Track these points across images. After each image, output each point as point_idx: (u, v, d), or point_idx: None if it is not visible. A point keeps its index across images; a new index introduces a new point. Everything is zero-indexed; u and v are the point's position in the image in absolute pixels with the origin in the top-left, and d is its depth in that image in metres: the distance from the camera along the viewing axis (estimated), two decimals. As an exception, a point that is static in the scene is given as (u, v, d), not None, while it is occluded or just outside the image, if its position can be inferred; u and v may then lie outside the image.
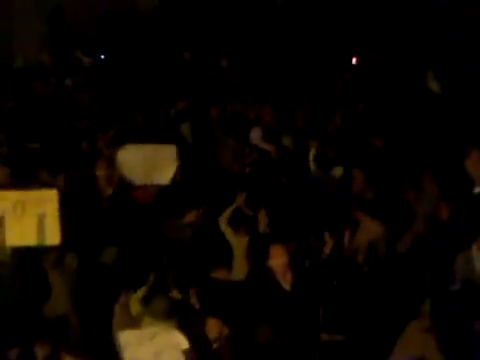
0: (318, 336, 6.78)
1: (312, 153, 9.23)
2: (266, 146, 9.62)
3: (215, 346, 6.63)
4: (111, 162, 8.64)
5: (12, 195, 7.34)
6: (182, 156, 8.82)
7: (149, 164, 8.59)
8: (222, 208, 8.11)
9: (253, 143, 9.81)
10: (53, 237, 7.20)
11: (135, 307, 7.02)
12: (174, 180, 8.66)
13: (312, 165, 9.16)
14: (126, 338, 6.49)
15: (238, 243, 7.78)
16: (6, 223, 7.22)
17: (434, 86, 10.74)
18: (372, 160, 8.94)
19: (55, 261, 7.46)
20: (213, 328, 6.64)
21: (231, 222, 8.00)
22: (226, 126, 10.37)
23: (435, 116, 10.04)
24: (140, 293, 7.09)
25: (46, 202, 7.24)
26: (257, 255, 7.55)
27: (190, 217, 8.13)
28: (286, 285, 6.75)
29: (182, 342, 6.48)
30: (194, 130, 10.32)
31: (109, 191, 8.48)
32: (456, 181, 8.16)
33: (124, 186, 8.53)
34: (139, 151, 8.74)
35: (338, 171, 8.91)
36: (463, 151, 8.19)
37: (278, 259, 6.76)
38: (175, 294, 7.12)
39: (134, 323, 6.84)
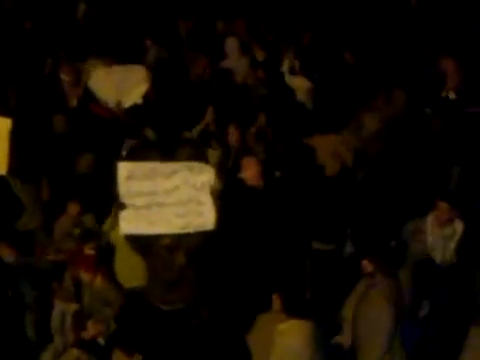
0: (309, 245, 7.10)
1: (286, 64, 9.55)
2: (240, 59, 9.87)
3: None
4: (76, 68, 8.98)
5: None
6: (153, 75, 9.07)
7: (119, 86, 8.90)
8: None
9: (228, 54, 10.03)
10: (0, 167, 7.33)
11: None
12: (146, 100, 8.93)
13: (286, 76, 9.46)
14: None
15: (210, 158, 8.01)
16: None
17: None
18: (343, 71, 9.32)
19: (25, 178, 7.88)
20: None
21: (201, 138, 8.32)
22: (195, 41, 10.55)
23: (404, 25, 10.31)
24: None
25: None
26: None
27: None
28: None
29: None
30: (161, 47, 10.43)
31: (74, 102, 8.85)
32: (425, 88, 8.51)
33: (89, 98, 8.87)
34: (109, 73, 9.06)
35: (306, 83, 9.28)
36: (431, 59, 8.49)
37: (250, 170, 7.08)
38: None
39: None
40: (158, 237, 6.70)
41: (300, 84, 9.32)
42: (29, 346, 7.09)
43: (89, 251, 7.07)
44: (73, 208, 7.72)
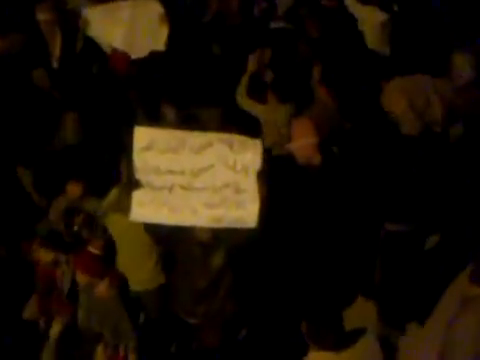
0: (380, 227, 5.90)
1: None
2: None
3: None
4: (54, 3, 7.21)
5: None
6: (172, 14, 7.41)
7: (131, 27, 7.20)
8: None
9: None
10: None
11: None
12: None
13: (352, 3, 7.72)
14: None
15: (263, 112, 6.57)
16: None
17: None
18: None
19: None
20: None
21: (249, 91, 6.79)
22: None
23: None
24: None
25: None
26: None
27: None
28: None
29: None
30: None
31: (57, 51, 7.08)
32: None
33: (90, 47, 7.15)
34: (112, 10, 7.24)
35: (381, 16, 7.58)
36: None
37: (306, 139, 5.63)
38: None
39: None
40: (193, 230, 5.52)
41: (371, 16, 7.48)
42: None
43: (95, 250, 5.89)
44: (73, 189, 6.19)
